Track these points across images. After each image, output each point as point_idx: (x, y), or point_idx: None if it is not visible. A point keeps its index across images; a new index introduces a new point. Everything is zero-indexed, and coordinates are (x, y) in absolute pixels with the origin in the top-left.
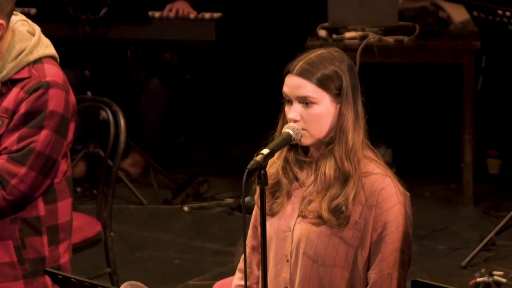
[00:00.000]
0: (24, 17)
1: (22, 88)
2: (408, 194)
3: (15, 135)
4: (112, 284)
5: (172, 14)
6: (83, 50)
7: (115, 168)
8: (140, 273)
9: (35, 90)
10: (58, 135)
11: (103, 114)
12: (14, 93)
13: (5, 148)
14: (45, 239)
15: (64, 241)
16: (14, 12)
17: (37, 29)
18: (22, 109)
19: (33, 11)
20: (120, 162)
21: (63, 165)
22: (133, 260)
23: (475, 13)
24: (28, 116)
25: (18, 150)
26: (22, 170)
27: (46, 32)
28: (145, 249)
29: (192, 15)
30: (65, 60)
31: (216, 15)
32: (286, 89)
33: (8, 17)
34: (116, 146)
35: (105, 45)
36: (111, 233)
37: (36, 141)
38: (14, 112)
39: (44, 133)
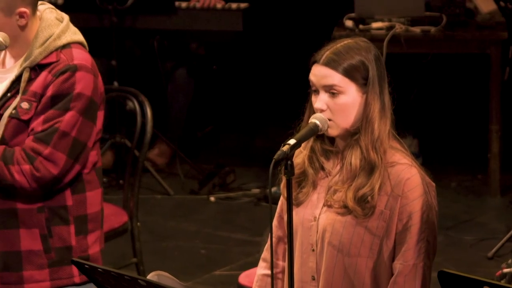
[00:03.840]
0: (52, 6)
1: (50, 72)
2: (434, 184)
3: (41, 117)
4: (138, 274)
5: (199, 4)
6: (110, 40)
7: (141, 158)
8: (167, 263)
9: (62, 73)
10: (85, 117)
11: (129, 104)
12: (42, 76)
13: (32, 129)
14: (72, 228)
15: (94, 232)
16: (41, 2)
17: (66, 16)
18: (49, 91)
19: (60, 1)
20: (147, 152)
21: (93, 157)
22: (160, 250)
23: (502, 3)
24: (55, 99)
25: (43, 131)
26: (47, 150)
27: (73, 23)
28: (171, 239)
29: (219, 5)
30: (91, 50)
31: (243, 5)
32: (312, 78)
33: (32, 6)
34: (142, 136)
35: (131, 35)
36: (138, 223)
37: (60, 122)
38: (42, 95)
39: (69, 114)
